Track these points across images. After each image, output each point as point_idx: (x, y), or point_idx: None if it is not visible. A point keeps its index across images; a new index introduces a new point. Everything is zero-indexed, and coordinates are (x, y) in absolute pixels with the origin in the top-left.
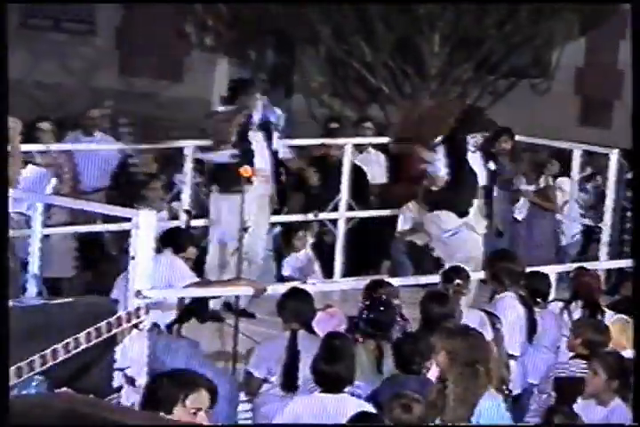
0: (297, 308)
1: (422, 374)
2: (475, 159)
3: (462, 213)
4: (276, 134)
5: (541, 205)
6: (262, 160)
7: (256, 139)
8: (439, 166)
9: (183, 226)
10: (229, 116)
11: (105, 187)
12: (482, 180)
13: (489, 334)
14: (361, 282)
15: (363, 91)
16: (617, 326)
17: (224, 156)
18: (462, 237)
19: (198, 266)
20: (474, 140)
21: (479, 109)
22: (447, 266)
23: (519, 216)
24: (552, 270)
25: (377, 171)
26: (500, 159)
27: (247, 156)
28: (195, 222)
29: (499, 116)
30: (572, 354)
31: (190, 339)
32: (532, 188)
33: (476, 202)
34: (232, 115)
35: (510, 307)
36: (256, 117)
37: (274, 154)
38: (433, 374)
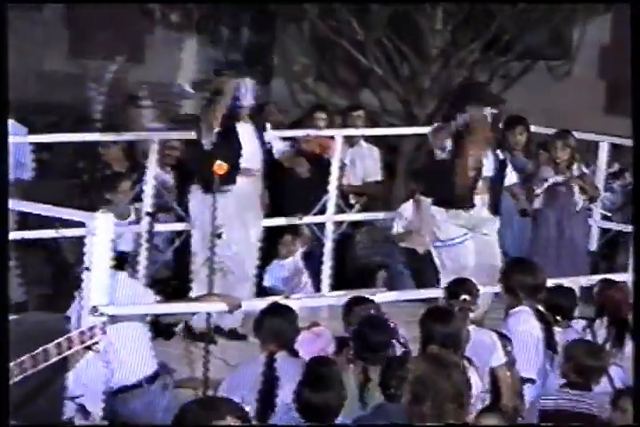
0: (276, 326)
1: None
2: None
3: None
4: (269, 126)
5: (586, 190)
6: (251, 155)
7: (244, 129)
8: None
9: (145, 231)
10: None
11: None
12: (487, 170)
13: (500, 359)
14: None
15: (353, 74)
16: None
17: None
18: (470, 245)
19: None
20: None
21: (480, 83)
22: (451, 278)
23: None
24: (576, 283)
25: (370, 167)
26: (516, 155)
27: (232, 149)
28: (162, 227)
29: (511, 104)
30: (563, 381)
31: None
32: (560, 178)
33: (479, 196)
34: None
35: (524, 322)
36: (245, 104)
37: (265, 148)
38: None
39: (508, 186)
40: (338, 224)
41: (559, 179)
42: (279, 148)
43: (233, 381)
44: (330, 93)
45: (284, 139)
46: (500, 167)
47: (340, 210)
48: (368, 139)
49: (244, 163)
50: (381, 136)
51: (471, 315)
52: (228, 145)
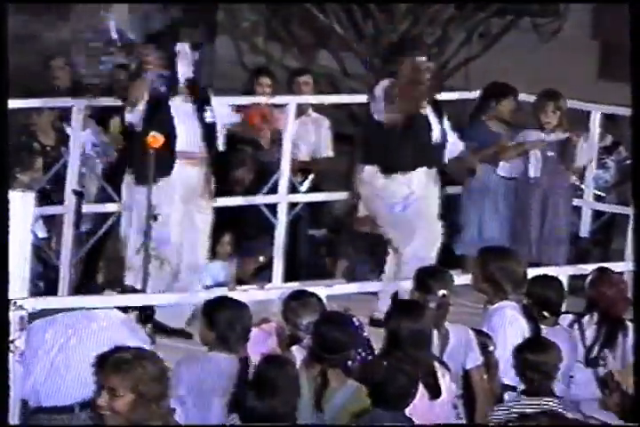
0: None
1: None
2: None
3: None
4: (214, 98)
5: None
6: (191, 136)
7: (181, 107)
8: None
9: (72, 212)
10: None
11: None
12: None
13: (476, 360)
14: (307, 287)
15: (309, 33)
16: None
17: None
18: (417, 209)
19: None
20: None
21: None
22: (420, 267)
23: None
24: (564, 273)
25: (322, 139)
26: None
27: (163, 130)
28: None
29: (492, 67)
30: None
31: None
32: (551, 137)
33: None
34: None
35: (512, 321)
36: (181, 76)
37: (207, 125)
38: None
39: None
40: (291, 206)
41: (548, 138)
42: (230, 120)
43: (179, 376)
44: (283, 54)
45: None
46: (443, 135)
47: (293, 190)
48: (319, 108)
49: (181, 146)
50: (342, 104)
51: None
52: (158, 126)
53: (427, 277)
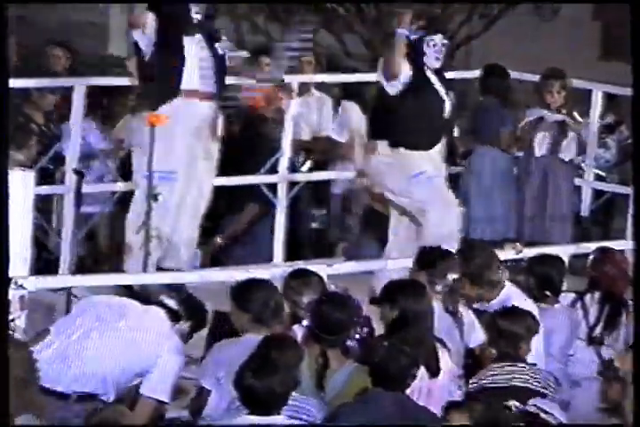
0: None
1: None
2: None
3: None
4: (225, 41)
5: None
6: (202, 73)
7: (193, 43)
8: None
9: (72, 191)
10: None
11: None
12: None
13: (481, 338)
14: (308, 266)
15: (311, 13)
16: None
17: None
18: (436, 183)
19: None
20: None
21: None
22: (423, 246)
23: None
24: (565, 252)
25: (322, 120)
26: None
27: (175, 66)
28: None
29: (492, 48)
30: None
31: None
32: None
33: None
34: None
35: (517, 298)
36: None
37: (219, 59)
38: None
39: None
40: (291, 185)
41: (556, 117)
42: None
43: (216, 359)
44: (283, 34)
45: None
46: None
47: (293, 169)
48: (321, 87)
49: (190, 84)
50: (342, 83)
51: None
52: (168, 59)
53: (427, 254)
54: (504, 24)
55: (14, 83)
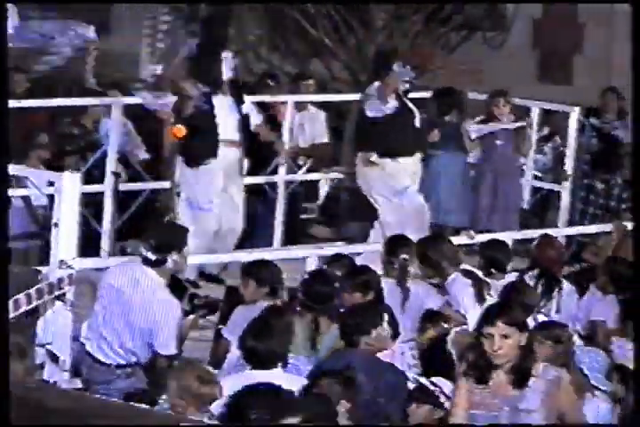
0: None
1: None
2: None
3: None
4: (247, 98)
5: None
6: (232, 126)
7: (223, 102)
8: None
9: (110, 190)
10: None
11: None
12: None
13: (438, 301)
14: (301, 251)
15: (303, 44)
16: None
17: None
18: (414, 199)
19: None
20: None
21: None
22: (389, 235)
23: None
24: (510, 237)
25: (318, 130)
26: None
27: (206, 121)
28: (126, 186)
29: (451, 72)
30: None
31: None
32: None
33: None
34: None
35: (464, 287)
36: (225, 77)
37: (243, 118)
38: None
39: None
40: (288, 183)
41: (502, 126)
42: (255, 120)
43: (232, 323)
44: (282, 62)
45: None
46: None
47: (290, 170)
48: (316, 104)
49: (225, 134)
50: (329, 102)
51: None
52: (204, 118)
53: (392, 242)
54: (461, 52)
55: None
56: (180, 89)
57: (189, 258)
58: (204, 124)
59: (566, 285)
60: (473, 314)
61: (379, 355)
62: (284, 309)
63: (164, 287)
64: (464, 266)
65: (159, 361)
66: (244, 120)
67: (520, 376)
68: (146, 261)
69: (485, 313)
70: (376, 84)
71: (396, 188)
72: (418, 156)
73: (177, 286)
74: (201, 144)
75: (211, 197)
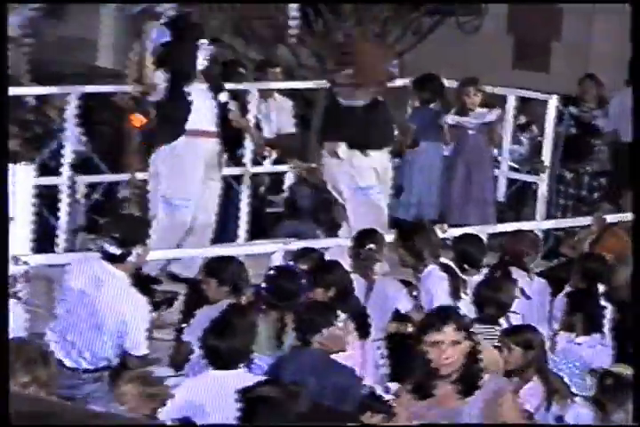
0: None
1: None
2: None
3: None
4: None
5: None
6: (208, 116)
7: (198, 91)
8: None
9: (66, 183)
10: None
11: None
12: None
13: (406, 306)
14: (266, 246)
15: (269, 30)
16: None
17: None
18: (374, 201)
19: None
20: None
21: None
22: (357, 228)
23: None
24: (484, 231)
25: (284, 119)
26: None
27: (180, 111)
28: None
29: (421, 59)
30: None
31: None
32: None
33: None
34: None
35: (440, 281)
36: (201, 65)
37: (222, 108)
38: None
39: None
40: (254, 176)
41: (472, 121)
42: (233, 110)
43: (196, 323)
44: (246, 48)
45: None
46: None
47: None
48: (282, 92)
49: (201, 125)
50: (296, 90)
51: (377, 267)
52: (176, 106)
53: (361, 235)
54: (433, 39)
55: (13, 91)
56: (145, 77)
57: (151, 254)
58: (171, 112)
59: (537, 281)
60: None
61: (344, 355)
62: (246, 307)
63: (128, 284)
64: (442, 260)
65: (131, 363)
66: (222, 110)
67: (467, 387)
68: (107, 257)
69: (430, 318)
70: (351, 71)
71: (360, 185)
72: (387, 150)
73: (140, 282)
74: (167, 133)
75: (188, 191)
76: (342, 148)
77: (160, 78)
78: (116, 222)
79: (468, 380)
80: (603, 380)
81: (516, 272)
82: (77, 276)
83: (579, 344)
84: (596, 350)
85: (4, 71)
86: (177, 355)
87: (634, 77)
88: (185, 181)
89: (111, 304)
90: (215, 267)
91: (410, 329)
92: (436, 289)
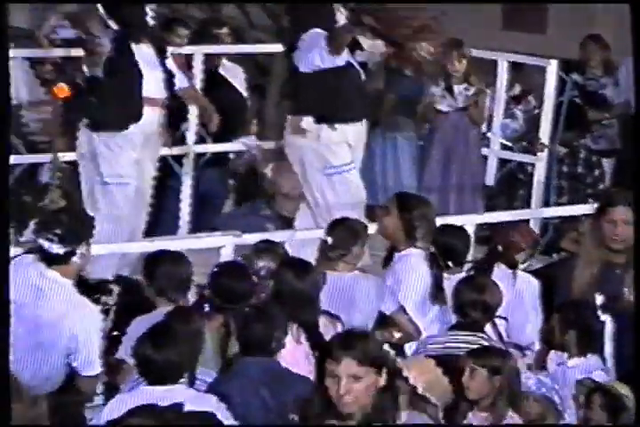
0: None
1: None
2: None
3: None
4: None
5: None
6: (155, 82)
7: (144, 54)
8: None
9: None
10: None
11: None
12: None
13: (393, 305)
14: (214, 239)
15: None
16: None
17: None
18: (350, 181)
19: None
20: None
21: None
22: (333, 217)
23: None
24: (470, 222)
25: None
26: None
27: (130, 77)
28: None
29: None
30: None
31: None
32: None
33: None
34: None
35: (415, 267)
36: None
37: (168, 74)
38: (285, 356)
39: None
40: (199, 157)
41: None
42: (181, 81)
43: (132, 333)
44: (187, 6)
45: None
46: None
47: (201, 140)
48: (231, 57)
49: (147, 91)
50: (248, 54)
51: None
52: (124, 72)
53: (336, 224)
54: None
55: None
56: (85, 29)
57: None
58: (120, 76)
59: (530, 281)
60: (420, 310)
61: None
62: (188, 311)
63: (73, 291)
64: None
65: (83, 384)
66: (169, 78)
67: None
68: (45, 258)
69: (329, 344)
70: (319, 31)
71: (332, 163)
72: (363, 124)
73: (85, 288)
74: (115, 104)
75: (126, 170)
76: (308, 122)
77: (103, 32)
78: (55, 215)
79: (377, 421)
80: (590, 397)
81: (498, 269)
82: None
83: (571, 368)
84: (594, 376)
85: (4, 71)
86: (109, 370)
87: (636, 79)
88: (120, 159)
89: (55, 317)
90: (149, 265)
91: (397, 336)
92: (411, 279)
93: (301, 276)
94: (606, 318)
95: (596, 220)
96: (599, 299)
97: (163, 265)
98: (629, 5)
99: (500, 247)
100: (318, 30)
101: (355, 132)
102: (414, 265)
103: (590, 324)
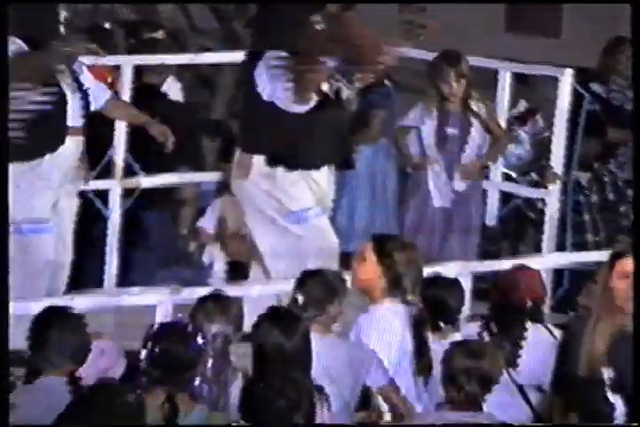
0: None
1: None
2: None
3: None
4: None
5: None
6: (74, 109)
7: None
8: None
9: None
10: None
11: None
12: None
13: (382, 378)
14: (148, 295)
15: None
16: None
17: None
18: (317, 221)
19: None
20: None
21: None
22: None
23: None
24: (465, 270)
25: None
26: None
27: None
28: None
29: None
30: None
31: None
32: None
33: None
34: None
35: (382, 322)
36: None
37: (85, 93)
38: None
39: None
40: (128, 192)
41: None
42: (102, 96)
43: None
44: (118, 6)
45: None
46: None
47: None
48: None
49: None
50: (189, 65)
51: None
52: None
53: (306, 277)
54: None
55: None
56: None
57: None
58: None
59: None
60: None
61: None
62: (115, 386)
63: None
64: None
65: None
66: (86, 98)
67: None
68: None
69: None
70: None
71: (291, 208)
72: (329, 168)
73: None
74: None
75: (42, 211)
76: (260, 162)
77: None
78: None
79: None
80: None
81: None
82: None
83: None
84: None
85: (4, 71)
86: None
87: (635, 80)
88: (35, 197)
89: None
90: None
91: (387, 418)
92: (382, 338)
93: (288, 331)
94: (616, 398)
95: (606, 274)
96: (607, 373)
97: (52, 327)
98: (630, 5)
99: (503, 301)
100: (283, 62)
101: (317, 176)
102: (381, 320)
103: (597, 408)
